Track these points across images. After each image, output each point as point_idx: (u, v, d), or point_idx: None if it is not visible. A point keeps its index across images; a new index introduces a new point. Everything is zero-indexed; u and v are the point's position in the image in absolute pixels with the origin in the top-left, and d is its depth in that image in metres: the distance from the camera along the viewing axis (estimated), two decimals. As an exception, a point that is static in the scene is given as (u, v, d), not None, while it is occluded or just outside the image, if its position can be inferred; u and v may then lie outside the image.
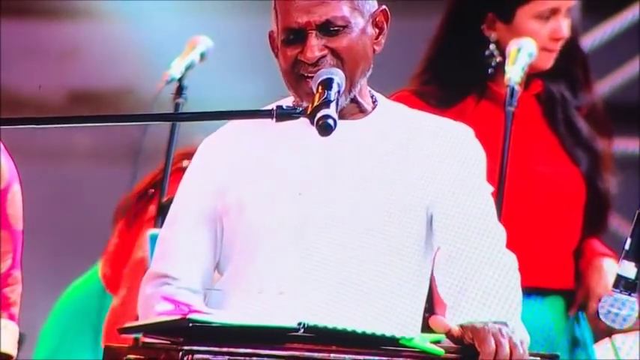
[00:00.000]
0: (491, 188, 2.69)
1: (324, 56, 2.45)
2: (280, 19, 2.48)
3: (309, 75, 2.44)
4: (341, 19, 2.46)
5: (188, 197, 2.65)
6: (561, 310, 3.72)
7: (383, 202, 2.55)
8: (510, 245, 3.84)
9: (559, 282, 3.73)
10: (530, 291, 3.68)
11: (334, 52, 2.46)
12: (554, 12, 3.60)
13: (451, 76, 3.69)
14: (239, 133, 2.64)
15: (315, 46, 2.44)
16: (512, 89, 3.51)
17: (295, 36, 2.48)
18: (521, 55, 3.59)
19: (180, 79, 3.96)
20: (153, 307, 2.53)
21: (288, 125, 2.45)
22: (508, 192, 3.67)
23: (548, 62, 3.69)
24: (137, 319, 4.57)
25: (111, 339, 4.22)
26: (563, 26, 3.59)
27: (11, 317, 2.12)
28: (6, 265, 2.06)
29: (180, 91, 3.95)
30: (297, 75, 2.50)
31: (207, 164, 2.65)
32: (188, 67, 4.00)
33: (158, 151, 4.19)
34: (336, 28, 2.46)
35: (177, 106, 3.97)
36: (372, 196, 2.55)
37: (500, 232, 2.61)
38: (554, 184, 3.70)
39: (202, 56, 4.08)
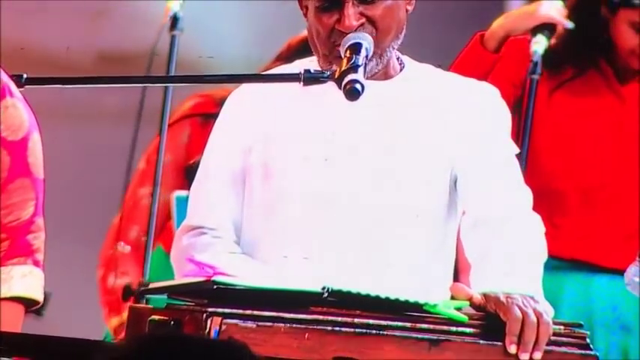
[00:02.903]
0: (516, 150, 2.67)
1: (361, 25, 2.42)
2: None
3: None
4: None
5: (217, 154, 2.65)
6: None
7: (408, 165, 2.53)
8: (599, 222, 3.87)
9: None
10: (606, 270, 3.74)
11: (370, 20, 2.44)
12: None
13: (573, 47, 3.78)
14: (264, 91, 2.62)
15: (352, 15, 2.41)
16: (537, 60, 3.56)
17: (330, 3, 2.45)
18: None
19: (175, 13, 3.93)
20: (191, 257, 2.54)
21: (314, 86, 2.43)
22: (610, 170, 3.74)
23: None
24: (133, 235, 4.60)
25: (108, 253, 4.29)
26: None
27: (36, 263, 2.14)
28: (29, 213, 2.08)
29: (175, 23, 3.92)
30: (332, 43, 2.48)
31: (232, 121, 2.65)
32: None
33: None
34: None
35: (173, 38, 3.95)
36: (397, 158, 2.54)
37: (525, 194, 2.59)
38: None
39: None
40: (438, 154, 2.48)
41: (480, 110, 2.51)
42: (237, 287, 2.06)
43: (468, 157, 2.46)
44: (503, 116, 2.55)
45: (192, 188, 2.71)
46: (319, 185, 2.49)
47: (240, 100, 2.59)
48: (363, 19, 2.38)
